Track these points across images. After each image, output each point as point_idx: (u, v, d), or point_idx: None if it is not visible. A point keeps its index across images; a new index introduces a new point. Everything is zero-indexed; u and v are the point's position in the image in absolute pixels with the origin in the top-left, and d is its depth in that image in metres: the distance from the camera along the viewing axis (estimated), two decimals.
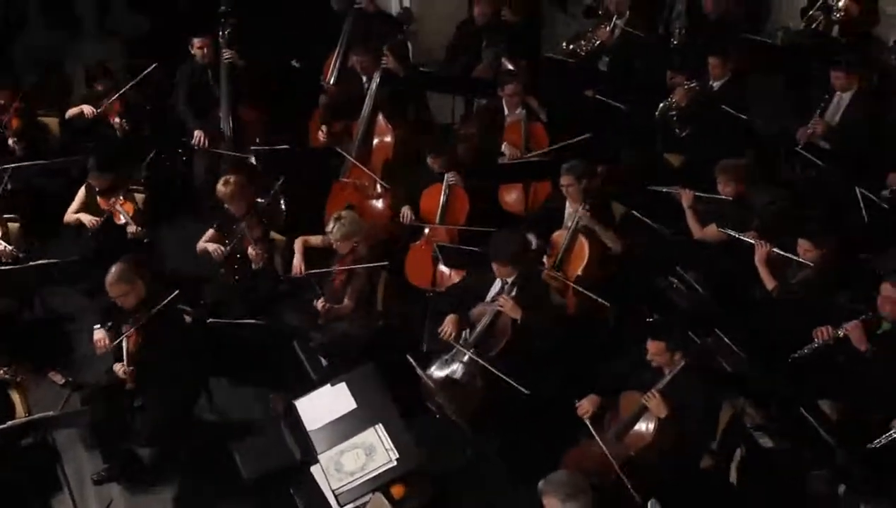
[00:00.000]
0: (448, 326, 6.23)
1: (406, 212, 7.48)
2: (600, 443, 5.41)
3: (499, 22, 8.90)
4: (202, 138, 7.87)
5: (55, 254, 7.08)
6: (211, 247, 6.85)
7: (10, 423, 5.74)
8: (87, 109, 8.05)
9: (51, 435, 6.11)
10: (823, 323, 5.79)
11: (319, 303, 6.44)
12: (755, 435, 5.85)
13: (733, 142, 7.52)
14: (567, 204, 7.02)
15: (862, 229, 6.76)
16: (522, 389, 5.72)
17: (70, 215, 7.29)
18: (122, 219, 7.06)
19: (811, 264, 6.15)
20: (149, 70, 7.99)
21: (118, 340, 5.96)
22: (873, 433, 5.44)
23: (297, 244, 6.82)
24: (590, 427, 5.52)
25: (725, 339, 5.74)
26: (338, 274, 6.48)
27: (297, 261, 6.72)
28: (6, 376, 6.22)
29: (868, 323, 5.68)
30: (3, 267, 6.77)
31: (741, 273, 6.56)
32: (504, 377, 5.81)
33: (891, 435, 5.37)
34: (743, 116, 7.55)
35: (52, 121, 8.37)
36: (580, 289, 6.71)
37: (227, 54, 7.91)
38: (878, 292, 5.68)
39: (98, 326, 6.21)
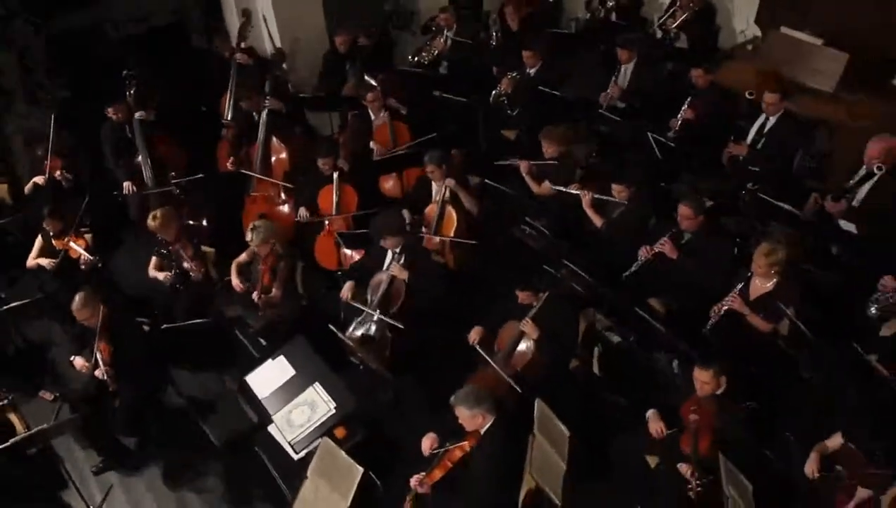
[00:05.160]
0: (346, 292, 6.25)
1: (302, 212, 7.33)
2: (493, 364, 5.46)
3: (356, 47, 8.76)
4: (130, 187, 7.58)
5: (19, 295, 6.72)
6: (161, 275, 6.62)
7: (12, 440, 5.44)
8: (39, 179, 7.57)
9: (49, 443, 5.82)
10: (644, 243, 5.95)
11: (255, 296, 6.32)
12: (607, 335, 6.03)
13: (552, 113, 7.58)
14: (433, 183, 6.99)
15: (656, 164, 6.94)
16: (399, 324, 5.86)
17: (31, 261, 6.92)
18: (76, 253, 6.71)
19: (625, 202, 6.29)
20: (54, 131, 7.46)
21: (94, 357, 5.76)
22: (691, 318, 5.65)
23: (232, 269, 6.56)
24: (480, 351, 5.56)
25: (574, 268, 5.83)
26: (264, 271, 6.33)
27: (235, 282, 6.48)
28: (3, 401, 5.89)
29: (674, 237, 5.87)
30: None
31: (577, 216, 6.66)
32: (398, 325, 5.90)
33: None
34: (556, 92, 7.64)
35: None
36: (458, 240, 6.77)
37: (138, 114, 7.61)
38: (677, 212, 5.87)
39: (74, 357, 5.94)
